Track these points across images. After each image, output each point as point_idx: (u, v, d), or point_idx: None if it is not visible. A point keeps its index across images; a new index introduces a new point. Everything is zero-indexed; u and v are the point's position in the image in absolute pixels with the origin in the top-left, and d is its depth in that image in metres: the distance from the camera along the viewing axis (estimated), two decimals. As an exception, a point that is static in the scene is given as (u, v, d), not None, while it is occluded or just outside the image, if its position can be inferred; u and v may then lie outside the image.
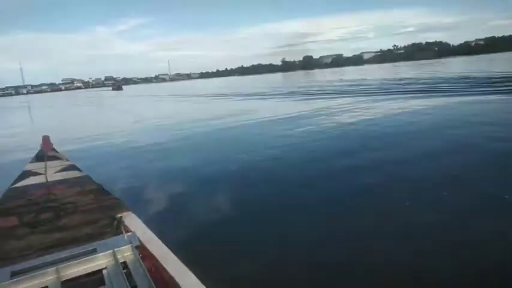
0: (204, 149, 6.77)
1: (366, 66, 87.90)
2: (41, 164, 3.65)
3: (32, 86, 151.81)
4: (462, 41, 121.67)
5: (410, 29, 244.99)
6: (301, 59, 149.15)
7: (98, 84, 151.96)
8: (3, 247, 1.92)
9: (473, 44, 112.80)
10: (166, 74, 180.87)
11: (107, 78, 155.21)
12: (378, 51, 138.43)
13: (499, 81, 14.58)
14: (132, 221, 2.14)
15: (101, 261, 1.57)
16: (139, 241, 1.75)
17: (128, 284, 1.39)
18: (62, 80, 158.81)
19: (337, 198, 3.70)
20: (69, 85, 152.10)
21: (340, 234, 2.89)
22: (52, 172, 3.42)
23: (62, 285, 1.43)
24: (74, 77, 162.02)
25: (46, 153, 4.10)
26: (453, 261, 2.39)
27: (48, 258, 1.58)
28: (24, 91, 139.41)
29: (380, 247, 2.61)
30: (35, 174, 3.38)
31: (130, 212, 2.29)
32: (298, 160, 5.30)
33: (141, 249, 1.70)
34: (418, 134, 6.45)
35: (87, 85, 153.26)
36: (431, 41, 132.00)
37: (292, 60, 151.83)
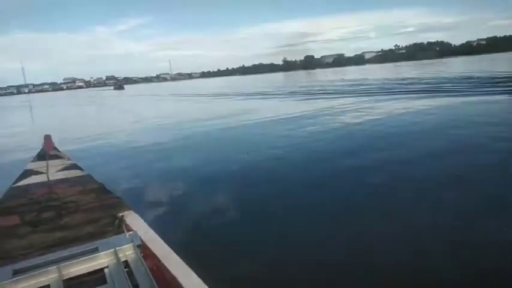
0: (205, 149, 6.76)
1: (368, 66, 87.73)
2: (43, 163, 3.65)
3: (34, 85, 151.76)
4: (463, 41, 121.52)
5: (411, 29, 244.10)
6: (303, 58, 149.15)
7: (100, 83, 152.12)
8: (5, 246, 1.91)
9: (475, 43, 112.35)
10: (168, 74, 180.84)
11: (108, 78, 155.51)
12: (379, 51, 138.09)
13: (502, 81, 14.53)
14: (134, 220, 2.13)
15: (102, 260, 1.56)
16: (141, 240, 1.75)
17: (129, 283, 1.38)
18: (64, 80, 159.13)
19: (340, 198, 3.68)
20: (71, 84, 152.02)
21: (341, 234, 2.87)
22: (54, 171, 3.41)
23: (63, 283, 1.42)
24: (75, 77, 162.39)
25: (48, 152, 4.09)
26: (454, 261, 2.38)
27: (50, 257, 1.58)
28: (26, 90, 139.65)
29: (381, 247, 2.60)
30: (37, 173, 3.38)
31: (131, 211, 2.28)
32: (301, 160, 5.28)
33: (143, 248, 1.70)
34: (422, 134, 6.43)
35: (88, 84, 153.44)
36: (432, 40, 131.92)
37: (294, 59, 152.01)
